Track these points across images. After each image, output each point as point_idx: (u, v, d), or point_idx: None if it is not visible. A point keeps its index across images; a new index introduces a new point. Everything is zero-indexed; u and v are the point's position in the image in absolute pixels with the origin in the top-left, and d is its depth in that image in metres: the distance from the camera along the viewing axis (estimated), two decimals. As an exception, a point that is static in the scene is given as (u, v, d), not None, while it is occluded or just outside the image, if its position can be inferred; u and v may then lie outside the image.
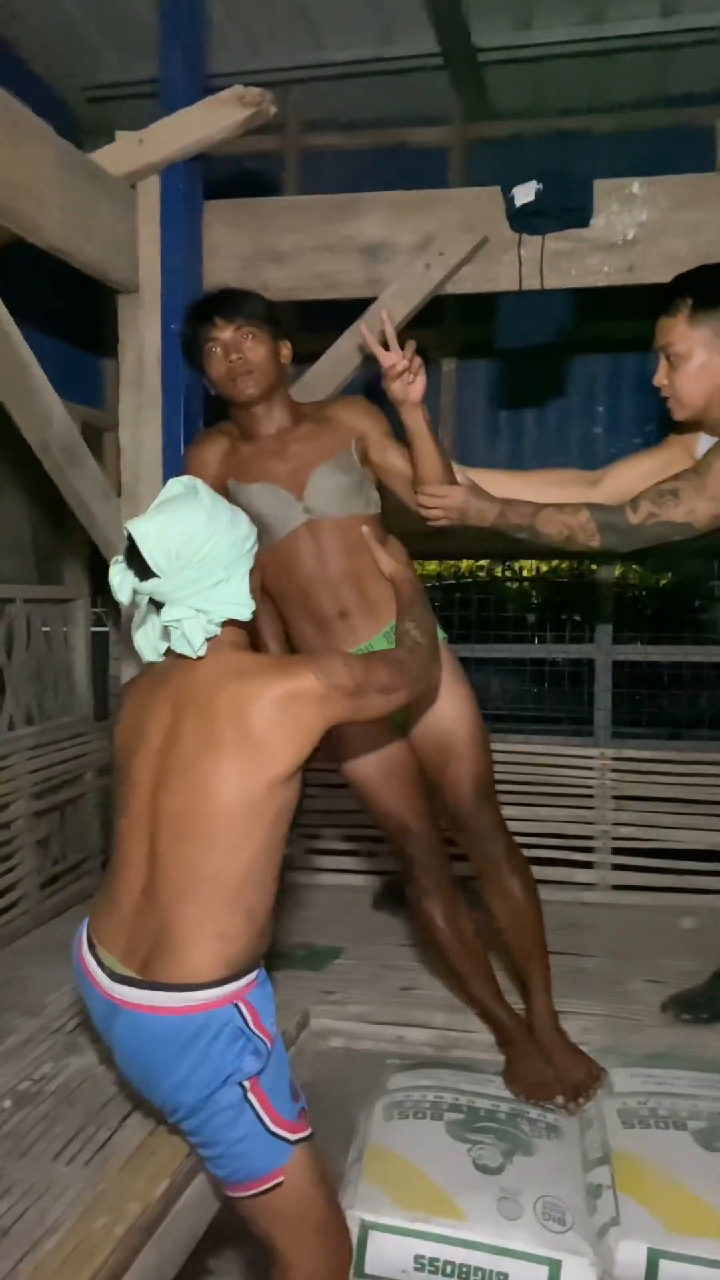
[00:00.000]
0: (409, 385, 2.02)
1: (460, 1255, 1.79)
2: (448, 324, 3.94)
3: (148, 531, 1.51)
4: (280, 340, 2.20)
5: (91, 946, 1.62)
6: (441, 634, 2.22)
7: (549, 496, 2.18)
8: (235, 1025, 1.52)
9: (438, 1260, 1.79)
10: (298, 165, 4.10)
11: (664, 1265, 1.77)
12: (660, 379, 2.12)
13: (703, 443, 2.24)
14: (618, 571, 4.11)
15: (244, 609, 1.56)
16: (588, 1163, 2.00)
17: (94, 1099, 2.07)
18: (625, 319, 3.40)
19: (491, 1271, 1.78)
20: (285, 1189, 1.56)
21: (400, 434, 2.15)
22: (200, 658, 1.55)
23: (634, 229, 2.68)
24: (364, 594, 2.18)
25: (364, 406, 2.25)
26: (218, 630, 1.55)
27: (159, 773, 1.57)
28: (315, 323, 3.22)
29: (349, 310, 2.80)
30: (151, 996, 1.52)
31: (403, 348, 2.01)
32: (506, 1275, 1.78)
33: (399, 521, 2.26)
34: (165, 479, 2.42)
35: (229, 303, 2.17)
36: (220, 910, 1.53)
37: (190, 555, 1.50)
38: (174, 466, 2.64)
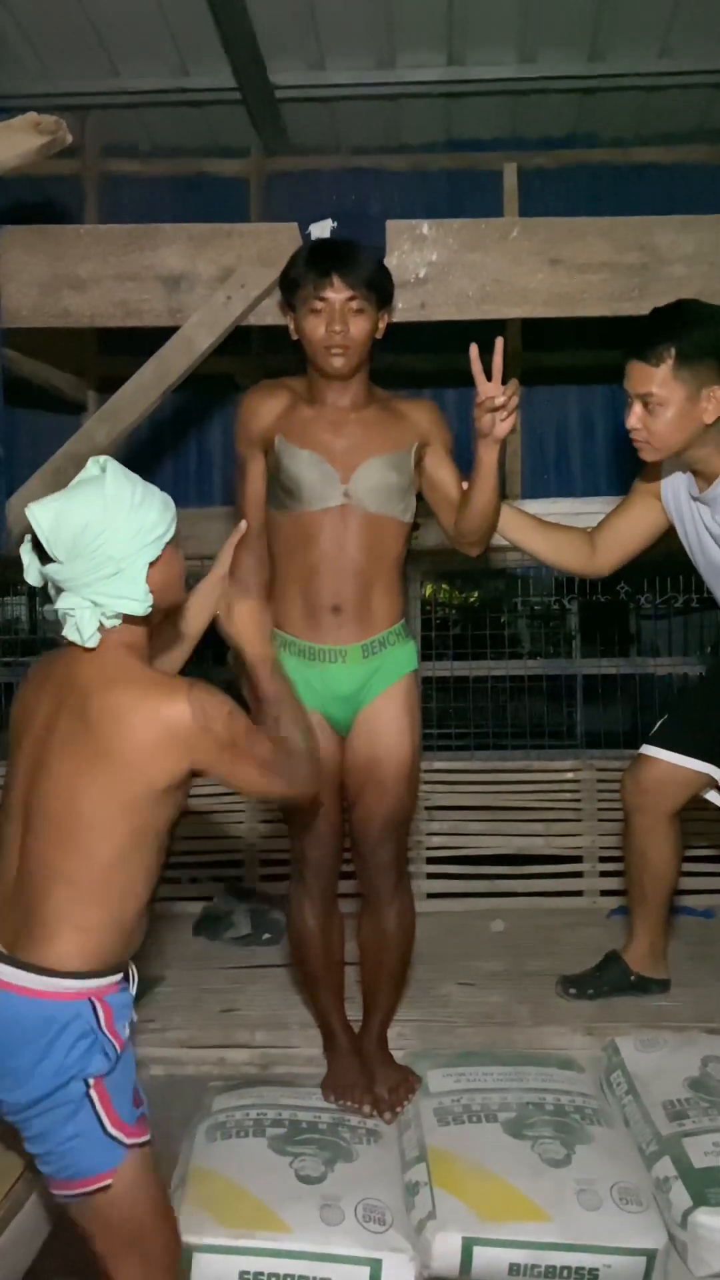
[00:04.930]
0: (499, 420, 2.04)
1: (285, 1266, 1.83)
2: (253, 353, 4.01)
3: (43, 517, 1.48)
4: (383, 311, 2.14)
5: None
6: (413, 664, 2.23)
7: (561, 548, 2.41)
8: (86, 1021, 1.51)
9: (263, 1274, 1.82)
10: (96, 190, 4.07)
11: (478, 1251, 1.86)
12: (634, 423, 2.15)
13: (667, 487, 2.34)
14: (428, 591, 4.26)
15: (138, 604, 1.52)
16: (405, 1162, 2.07)
17: None
18: (420, 353, 3.57)
19: (315, 1278, 1.82)
20: (112, 1193, 1.54)
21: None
22: (90, 650, 1.53)
23: (425, 268, 2.82)
24: (365, 597, 2.15)
25: (436, 414, 2.24)
26: (116, 621, 1.53)
27: (33, 765, 1.57)
28: (118, 348, 3.22)
29: (153, 337, 2.82)
30: (14, 974, 1.52)
31: (505, 383, 2.02)
32: (330, 1280, 1.82)
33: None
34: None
35: (352, 262, 2.07)
36: (78, 906, 1.53)
37: (84, 545, 1.47)
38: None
